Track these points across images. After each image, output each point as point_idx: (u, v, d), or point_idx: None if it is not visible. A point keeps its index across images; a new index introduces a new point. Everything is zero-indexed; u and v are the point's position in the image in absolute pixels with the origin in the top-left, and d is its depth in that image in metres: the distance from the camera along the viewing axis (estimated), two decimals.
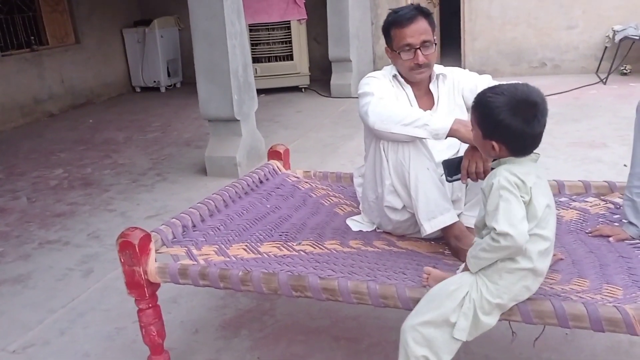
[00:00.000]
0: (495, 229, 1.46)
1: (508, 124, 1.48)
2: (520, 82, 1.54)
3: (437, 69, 2.23)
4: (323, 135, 5.37)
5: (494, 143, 1.53)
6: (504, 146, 1.52)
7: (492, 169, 1.77)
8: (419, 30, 2.08)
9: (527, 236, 1.46)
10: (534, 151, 1.55)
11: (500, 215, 1.46)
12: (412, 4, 2.19)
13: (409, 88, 2.22)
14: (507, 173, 1.49)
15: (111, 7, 8.10)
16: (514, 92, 1.50)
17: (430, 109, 2.17)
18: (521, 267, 1.50)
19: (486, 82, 2.19)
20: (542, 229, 1.50)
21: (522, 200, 1.47)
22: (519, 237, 1.44)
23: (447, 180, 1.99)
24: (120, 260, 1.89)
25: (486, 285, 1.53)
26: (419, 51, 2.09)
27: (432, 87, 2.23)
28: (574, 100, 5.81)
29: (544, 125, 1.51)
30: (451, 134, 1.91)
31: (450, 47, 8.01)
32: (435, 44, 2.14)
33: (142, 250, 1.86)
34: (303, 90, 7.50)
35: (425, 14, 2.12)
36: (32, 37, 7.05)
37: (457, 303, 1.54)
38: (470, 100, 2.20)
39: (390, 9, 2.22)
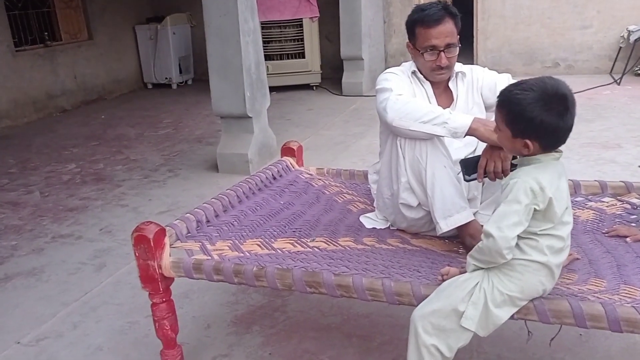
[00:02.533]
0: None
1: (542, 120, 1.44)
2: (544, 76, 1.51)
3: (457, 66, 2.21)
4: (334, 133, 5.37)
5: (527, 141, 1.49)
6: (537, 143, 1.49)
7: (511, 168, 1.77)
8: (445, 33, 2.05)
9: (510, 242, 1.46)
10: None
11: (494, 216, 1.49)
12: (439, 2, 2.13)
13: (428, 85, 2.20)
14: (529, 178, 1.46)
15: (124, 3, 8.13)
16: (544, 87, 1.46)
17: (448, 107, 2.15)
18: (533, 259, 1.51)
19: (505, 80, 2.18)
20: (558, 230, 1.51)
21: (531, 208, 1.46)
22: (500, 241, 1.46)
23: (465, 180, 1.98)
24: (135, 254, 1.89)
25: (498, 276, 1.53)
26: (442, 53, 2.07)
27: (451, 85, 2.22)
28: (587, 101, 5.77)
29: (574, 118, 1.48)
30: (470, 132, 1.90)
31: (463, 46, 7.96)
32: (459, 45, 2.11)
33: (156, 244, 1.86)
34: (314, 88, 7.50)
35: (453, 15, 2.08)
36: (46, 33, 7.09)
37: (466, 292, 1.55)
38: (489, 98, 2.20)
39: (416, 5, 2.19)
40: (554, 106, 1.44)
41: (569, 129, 1.48)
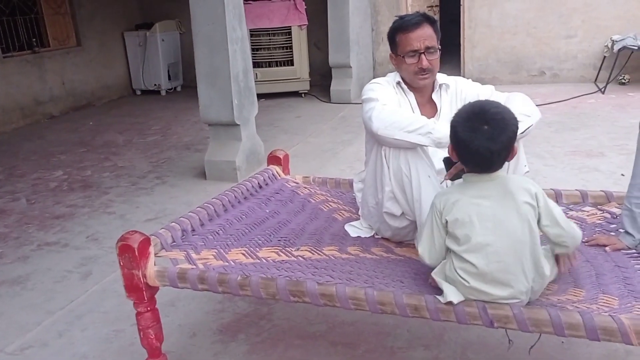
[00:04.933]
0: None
1: (454, 126, 1.62)
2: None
3: (441, 78, 2.25)
4: (322, 140, 5.39)
5: (450, 146, 1.68)
6: (455, 152, 1.66)
7: None
8: (424, 36, 2.11)
9: (436, 261, 1.73)
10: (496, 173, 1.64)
11: (423, 236, 1.73)
12: (417, 11, 2.22)
13: (411, 95, 2.23)
14: (439, 195, 1.71)
15: (113, 10, 8.13)
16: (474, 104, 1.64)
17: (432, 117, 2.18)
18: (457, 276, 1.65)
19: (488, 91, 2.22)
20: (468, 255, 1.60)
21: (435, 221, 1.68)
22: (429, 262, 1.75)
23: (452, 180, 1.97)
24: (120, 263, 1.89)
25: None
26: (423, 56, 2.12)
27: (434, 96, 2.25)
28: (572, 109, 5.84)
29: (491, 150, 1.56)
30: None
31: (450, 55, 8.04)
32: (439, 49, 2.16)
33: (141, 253, 1.87)
34: (303, 95, 7.53)
35: (431, 21, 2.15)
36: (34, 39, 7.06)
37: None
38: None
39: (396, 16, 2.25)
40: (469, 120, 1.59)
41: (478, 151, 1.57)
